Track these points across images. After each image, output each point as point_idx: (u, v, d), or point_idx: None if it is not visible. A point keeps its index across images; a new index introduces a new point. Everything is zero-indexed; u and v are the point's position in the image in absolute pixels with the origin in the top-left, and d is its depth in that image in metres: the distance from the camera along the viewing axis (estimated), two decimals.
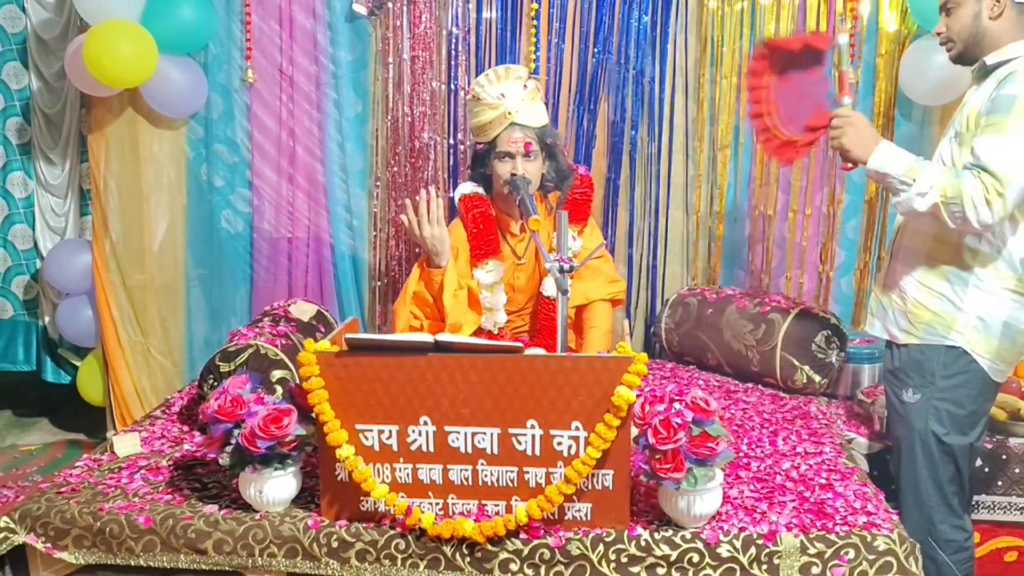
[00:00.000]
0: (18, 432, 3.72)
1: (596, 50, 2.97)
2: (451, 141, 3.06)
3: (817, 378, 2.53)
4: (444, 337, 1.75)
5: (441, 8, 2.98)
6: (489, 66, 2.98)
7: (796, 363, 2.53)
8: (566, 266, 1.90)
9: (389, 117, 3.07)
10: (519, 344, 1.74)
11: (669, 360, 2.95)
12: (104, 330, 3.23)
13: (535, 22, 2.96)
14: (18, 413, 3.92)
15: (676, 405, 1.72)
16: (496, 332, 2.40)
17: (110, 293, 3.21)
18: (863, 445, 2.37)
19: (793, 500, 1.85)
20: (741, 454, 2.10)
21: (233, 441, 1.78)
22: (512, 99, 2.30)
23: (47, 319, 3.52)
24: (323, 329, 2.62)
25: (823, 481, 1.95)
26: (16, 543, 1.79)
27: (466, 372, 1.75)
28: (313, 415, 1.77)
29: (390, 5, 2.98)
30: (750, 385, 2.67)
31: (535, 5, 2.94)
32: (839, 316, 2.80)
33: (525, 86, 2.32)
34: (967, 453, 1.95)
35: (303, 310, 2.60)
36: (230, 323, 3.26)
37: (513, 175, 2.30)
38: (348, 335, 1.78)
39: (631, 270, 3.15)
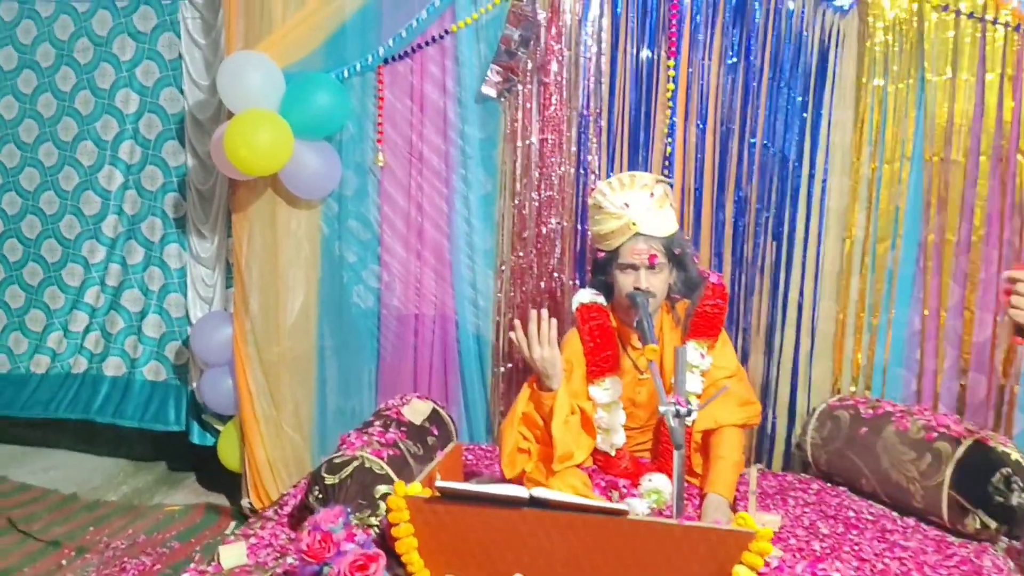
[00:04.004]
0: (166, 489, 3.91)
1: (740, 131, 2.74)
2: (579, 227, 2.91)
3: (993, 524, 2.15)
4: (540, 492, 1.60)
5: (572, 90, 2.85)
6: (620, 150, 2.82)
7: (968, 506, 2.17)
8: (683, 410, 1.70)
9: (516, 200, 2.97)
10: (623, 507, 1.56)
11: (815, 476, 2.64)
12: (241, 402, 3.32)
13: (671, 103, 2.76)
14: (171, 467, 4.12)
15: None
16: (614, 454, 2.21)
17: (247, 367, 3.29)
18: None
19: None
20: None
21: None
22: (637, 208, 2.12)
23: (195, 384, 3.67)
24: (436, 432, 2.53)
25: None
26: None
27: (564, 531, 1.59)
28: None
29: (519, 87, 2.88)
30: (911, 523, 2.31)
31: (671, 86, 2.75)
32: None
33: (652, 194, 2.13)
34: None
35: (417, 411, 2.53)
36: (359, 400, 3.28)
37: (636, 289, 2.11)
38: (439, 483, 1.67)
39: (770, 365, 2.87)
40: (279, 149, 2.89)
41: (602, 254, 2.22)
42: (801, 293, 2.83)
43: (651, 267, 2.12)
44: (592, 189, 2.86)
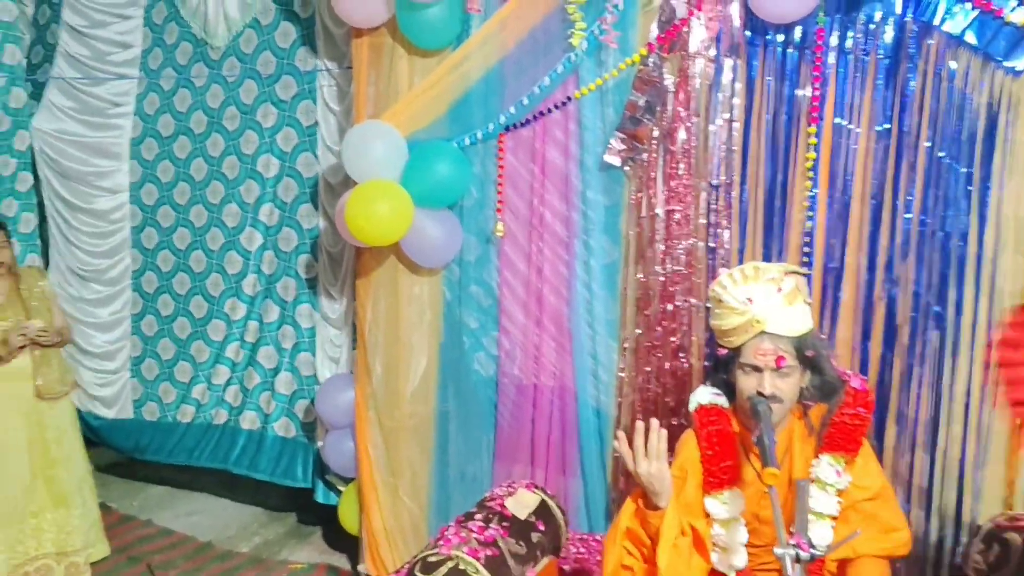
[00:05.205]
0: (294, 543, 3.97)
1: (892, 205, 2.44)
2: (708, 306, 2.69)
3: None
4: None
5: (701, 159, 2.65)
6: (754, 224, 2.59)
7: None
8: (805, 555, 1.46)
9: (640, 274, 2.78)
10: None
11: None
12: (360, 467, 3.31)
13: (812, 173, 2.50)
14: (301, 519, 4.19)
15: None
16: None
17: (368, 431, 3.29)
18: None
19: None
20: None
21: None
22: (762, 304, 1.89)
23: (320, 443, 3.71)
24: (542, 528, 2.38)
25: None
26: None
27: None
28: None
29: (644, 156, 2.71)
30: None
31: (812, 154, 2.49)
32: None
33: (779, 288, 1.90)
34: None
35: (523, 502, 2.39)
36: (477, 468, 3.20)
37: (759, 394, 1.88)
38: None
39: (933, 466, 2.51)
40: (398, 220, 2.87)
41: (724, 351, 2.00)
42: (968, 387, 2.47)
43: (778, 370, 1.88)
44: (723, 265, 2.64)
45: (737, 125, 2.59)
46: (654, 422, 1.82)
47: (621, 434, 1.85)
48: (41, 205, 4.25)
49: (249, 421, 3.96)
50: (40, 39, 4.24)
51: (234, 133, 3.83)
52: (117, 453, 4.42)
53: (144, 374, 4.22)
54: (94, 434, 4.27)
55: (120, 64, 4.04)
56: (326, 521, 4.09)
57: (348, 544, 3.73)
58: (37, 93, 4.16)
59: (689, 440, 2.05)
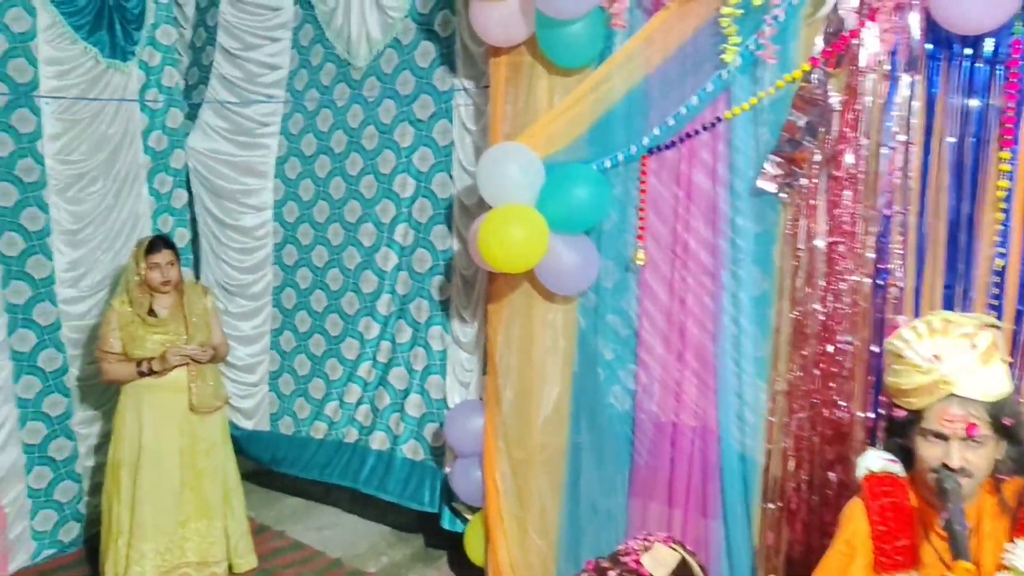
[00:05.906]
0: (421, 567, 3.92)
1: None
2: (874, 349, 2.41)
3: None
4: None
5: (870, 186, 2.38)
6: (934, 261, 2.30)
7: None
8: None
9: (795, 311, 2.54)
10: None
11: None
12: (488, 497, 3.23)
13: (1004, 204, 2.19)
14: (428, 542, 4.14)
15: None
16: None
17: (496, 462, 3.20)
18: None
19: None
20: None
21: None
22: (952, 363, 1.62)
23: (448, 469, 3.64)
24: None
25: None
26: None
27: None
28: None
29: (803, 181, 2.47)
30: None
31: (1005, 183, 2.18)
32: None
33: (974, 345, 1.63)
34: None
35: (660, 560, 2.17)
36: (610, 506, 3.05)
37: (945, 467, 1.62)
38: None
39: None
40: (533, 247, 2.76)
41: (901, 412, 1.75)
42: None
43: (968, 439, 1.62)
44: (894, 304, 2.36)
45: (915, 149, 2.31)
46: None
47: None
48: (194, 221, 4.42)
49: (379, 441, 3.94)
50: (196, 61, 4.41)
51: (372, 152, 3.84)
52: (255, 463, 4.53)
53: (281, 388, 4.30)
54: (234, 444, 4.39)
55: (269, 85, 4.14)
56: (453, 546, 4.02)
57: (475, 573, 3.65)
58: (192, 113, 4.33)
59: (857, 511, 1.80)
